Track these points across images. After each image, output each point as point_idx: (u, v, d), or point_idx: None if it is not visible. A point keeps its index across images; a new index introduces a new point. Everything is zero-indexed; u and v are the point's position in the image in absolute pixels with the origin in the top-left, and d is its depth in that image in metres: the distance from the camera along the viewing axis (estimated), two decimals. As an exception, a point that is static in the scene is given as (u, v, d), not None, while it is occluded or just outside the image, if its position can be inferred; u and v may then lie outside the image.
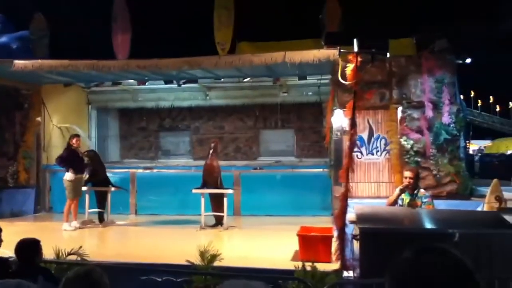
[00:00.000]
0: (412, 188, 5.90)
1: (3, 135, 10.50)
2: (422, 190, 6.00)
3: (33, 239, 4.14)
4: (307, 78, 11.15)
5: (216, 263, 5.60)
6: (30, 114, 10.93)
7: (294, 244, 6.34)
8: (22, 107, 10.82)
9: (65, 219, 8.79)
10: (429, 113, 8.34)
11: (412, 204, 5.85)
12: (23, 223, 9.56)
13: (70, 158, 8.96)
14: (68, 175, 8.86)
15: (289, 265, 5.62)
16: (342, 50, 6.21)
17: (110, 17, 10.05)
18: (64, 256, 5.73)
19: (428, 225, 4.92)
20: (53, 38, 10.67)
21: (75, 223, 8.87)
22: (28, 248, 4.06)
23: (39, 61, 9.23)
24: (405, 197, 5.93)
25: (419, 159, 8.32)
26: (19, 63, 9.00)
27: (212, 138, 14.25)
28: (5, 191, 10.39)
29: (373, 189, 8.46)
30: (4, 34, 12.57)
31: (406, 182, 5.93)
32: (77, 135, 9.35)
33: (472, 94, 28.20)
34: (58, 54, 10.01)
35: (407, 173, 6.02)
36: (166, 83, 11.58)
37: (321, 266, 5.41)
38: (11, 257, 4.97)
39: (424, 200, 5.83)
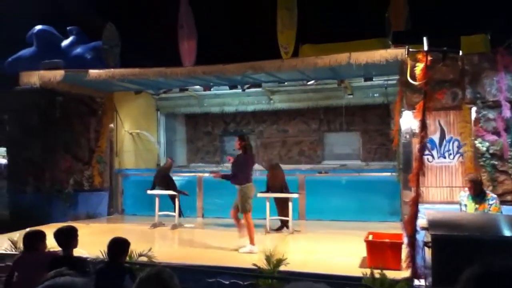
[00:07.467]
0: (476, 193, 5.95)
1: (79, 141, 11.11)
2: (488, 192, 6.05)
3: (124, 238, 4.27)
4: (373, 79, 10.85)
5: (282, 268, 5.58)
6: (103, 120, 11.46)
7: (361, 250, 6.18)
8: (96, 114, 11.37)
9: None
10: (506, 113, 7.83)
11: (478, 207, 5.86)
12: (98, 224, 10.04)
13: None
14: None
15: (357, 271, 5.49)
16: (410, 50, 6.00)
17: (176, 24, 10.33)
18: (136, 257, 5.94)
19: (506, 232, 4.60)
20: (124, 47, 11.12)
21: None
22: (119, 246, 4.20)
23: (112, 70, 9.67)
24: (468, 202, 5.93)
25: (495, 162, 7.83)
26: (93, 72, 9.49)
27: (276, 143, 14.48)
28: (81, 194, 10.97)
29: (446, 194, 8.07)
30: (79, 45, 13.35)
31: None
32: None
33: (554, 91, 26.27)
34: (129, 63, 10.44)
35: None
36: (230, 88, 11.74)
37: (390, 274, 5.24)
38: (87, 258, 5.25)
39: (491, 202, 5.83)
